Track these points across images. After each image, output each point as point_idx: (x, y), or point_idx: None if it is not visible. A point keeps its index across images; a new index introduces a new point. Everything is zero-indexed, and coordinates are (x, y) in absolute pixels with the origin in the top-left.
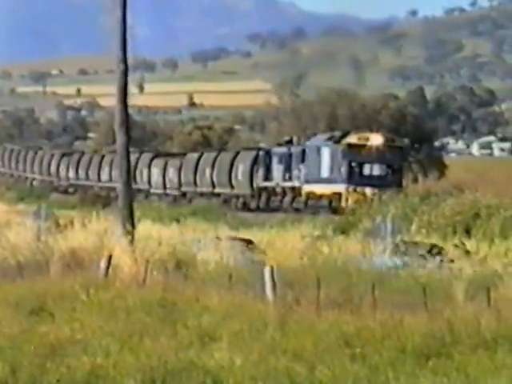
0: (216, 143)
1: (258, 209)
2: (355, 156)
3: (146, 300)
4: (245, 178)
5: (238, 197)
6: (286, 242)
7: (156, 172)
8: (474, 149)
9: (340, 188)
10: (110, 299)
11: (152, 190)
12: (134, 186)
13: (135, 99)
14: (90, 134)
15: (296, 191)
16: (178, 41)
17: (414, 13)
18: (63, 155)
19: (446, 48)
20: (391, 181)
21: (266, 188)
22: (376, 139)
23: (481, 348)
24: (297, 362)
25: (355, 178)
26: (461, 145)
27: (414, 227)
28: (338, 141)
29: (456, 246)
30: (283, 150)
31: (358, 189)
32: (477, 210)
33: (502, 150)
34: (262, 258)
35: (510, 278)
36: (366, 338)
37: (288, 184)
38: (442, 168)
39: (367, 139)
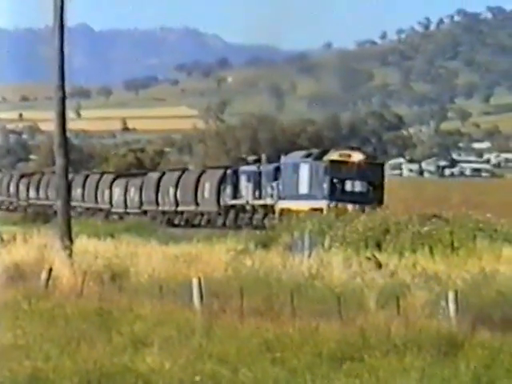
0: (148, 165)
1: (224, 225)
2: (337, 172)
3: (84, 309)
4: (211, 195)
5: (202, 214)
6: (212, 255)
7: (117, 192)
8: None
9: (321, 204)
10: (50, 308)
11: (113, 210)
12: (95, 206)
13: (73, 124)
14: (32, 156)
15: (268, 208)
16: (111, 70)
17: (328, 45)
18: (22, 176)
19: (358, 77)
20: (372, 197)
21: (233, 206)
22: (357, 156)
23: (391, 352)
24: (221, 366)
25: (337, 194)
26: None
27: (327, 241)
28: (318, 158)
29: (368, 258)
30: (252, 168)
31: (340, 205)
32: (387, 226)
33: (411, 170)
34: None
35: (417, 288)
36: (286, 344)
37: (259, 202)
38: None
39: (349, 156)
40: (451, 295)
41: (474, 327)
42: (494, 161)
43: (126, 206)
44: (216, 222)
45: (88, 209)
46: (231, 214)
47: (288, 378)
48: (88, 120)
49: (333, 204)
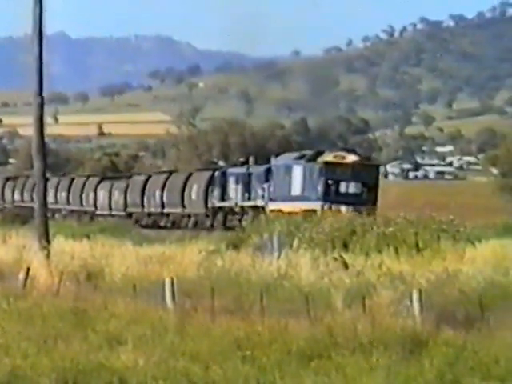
0: (123, 168)
1: (212, 227)
2: (331, 174)
3: (60, 308)
4: (199, 198)
5: (189, 216)
6: (184, 256)
7: (102, 194)
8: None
9: (315, 205)
10: (28, 307)
11: (98, 212)
12: (79, 208)
13: (50, 129)
14: (11, 160)
15: (259, 210)
16: (88, 77)
17: (296, 52)
18: (7, 179)
19: (325, 83)
20: (366, 199)
21: (222, 208)
22: (352, 158)
23: (357, 350)
24: (193, 363)
25: (331, 195)
26: None
27: (295, 242)
28: (312, 159)
29: (335, 259)
30: (241, 170)
31: (334, 206)
32: (353, 227)
33: None
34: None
35: (383, 288)
36: (256, 342)
37: (249, 203)
38: None
39: (343, 158)
40: (416, 294)
41: (438, 326)
42: (456, 164)
43: (110, 209)
44: (204, 224)
45: (73, 211)
46: (219, 216)
47: (258, 376)
48: (65, 125)
49: (327, 205)
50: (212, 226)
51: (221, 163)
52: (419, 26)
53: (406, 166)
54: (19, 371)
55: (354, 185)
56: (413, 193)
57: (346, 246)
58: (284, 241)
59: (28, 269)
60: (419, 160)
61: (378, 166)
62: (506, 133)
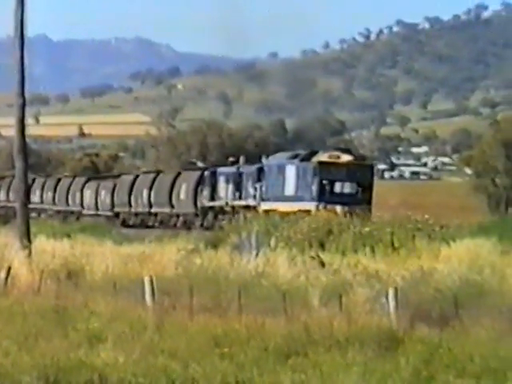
0: (103, 168)
1: (201, 226)
2: (326, 174)
3: (41, 306)
4: (188, 197)
5: (178, 216)
6: (163, 255)
7: (88, 194)
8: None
9: (310, 206)
10: (9, 305)
11: (84, 212)
12: (66, 208)
13: (32, 130)
14: None
15: (251, 210)
16: (69, 79)
17: (274, 54)
18: None
19: (302, 85)
20: (361, 199)
21: (212, 207)
22: (346, 158)
23: (334, 347)
24: (172, 360)
25: (326, 195)
26: None
27: (272, 242)
28: (307, 159)
29: (312, 258)
30: (231, 169)
31: (329, 206)
32: (330, 226)
33: None
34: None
35: (359, 286)
36: (233, 339)
37: (240, 203)
38: None
39: (338, 157)
40: (391, 292)
41: (414, 323)
42: (431, 164)
43: (97, 208)
44: (193, 224)
45: (59, 211)
46: (209, 216)
47: (236, 373)
48: (46, 126)
49: (322, 205)
50: (202, 225)
51: (199, 163)
52: (395, 29)
53: (382, 166)
54: (0, 369)
55: (349, 185)
56: (388, 193)
57: (322, 246)
58: (262, 240)
59: (9, 267)
60: (395, 160)
61: (372, 166)
62: (481, 134)
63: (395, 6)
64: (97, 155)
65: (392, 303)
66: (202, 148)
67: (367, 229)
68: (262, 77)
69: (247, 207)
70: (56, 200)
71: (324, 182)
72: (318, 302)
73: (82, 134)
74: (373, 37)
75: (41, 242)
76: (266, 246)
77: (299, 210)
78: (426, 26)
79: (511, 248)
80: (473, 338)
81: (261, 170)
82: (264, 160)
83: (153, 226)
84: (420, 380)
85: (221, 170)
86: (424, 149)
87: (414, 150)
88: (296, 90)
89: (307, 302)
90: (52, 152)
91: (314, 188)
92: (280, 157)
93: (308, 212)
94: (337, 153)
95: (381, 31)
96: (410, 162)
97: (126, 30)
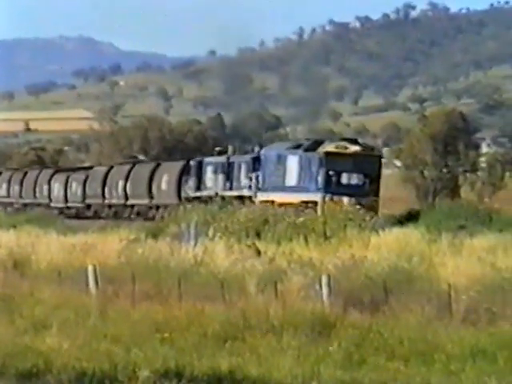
0: (49, 161)
1: None
2: (333, 164)
3: None
4: (170, 188)
5: (158, 207)
6: (106, 244)
7: (57, 186)
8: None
9: (315, 197)
10: None
11: (52, 204)
12: (33, 201)
13: None
14: None
15: (245, 200)
16: (14, 77)
17: (212, 52)
18: None
19: (239, 81)
20: (368, 190)
21: (198, 198)
22: (354, 148)
23: (270, 332)
24: (115, 345)
25: (333, 186)
26: None
27: (211, 231)
28: (311, 149)
29: (249, 246)
30: (220, 159)
31: (335, 198)
32: (266, 217)
33: None
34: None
35: (294, 274)
36: (174, 325)
37: (232, 193)
38: None
39: (345, 148)
40: (324, 279)
41: (346, 309)
42: None
43: (66, 201)
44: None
45: (26, 205)
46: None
47: (176, 357)
48: None
49: (328, 197)
50: None
51: (141, 157)
52: (328, 28)
53: None
54: None
55: (356, 176)
56: None
57: (258, 235)
58: (200, 230)
59: None
60: None
61: (380, 157)
62: (409, 128)
63: (327, 6)
64: (42, 149)
65: (325, 290)
66: (143, 142)
67: (301, 219)
68: (201, 74)
69: (240, 197)
70: (23, 193)
71: (330, 172)
72: (255, 289)
73: (28, 130)
74: (306, 36)
75: None
76: (204, 236)
77: (303, 201)
78: (357, 24)
79: (438, 236)
80: (402, 322)
81: (256, 160)
82: (262, 150)
83: (129, 218)
84: (352, 363)
85: (208, 159)
86: None
87: None
88: (233, 86)
89: (244, 289)
90: None
91: (320, 179)
92: (278, 147)
93: (314, 203)
94: (344, 143)
95: (314, 30)
96: None
97: (69, 28)
